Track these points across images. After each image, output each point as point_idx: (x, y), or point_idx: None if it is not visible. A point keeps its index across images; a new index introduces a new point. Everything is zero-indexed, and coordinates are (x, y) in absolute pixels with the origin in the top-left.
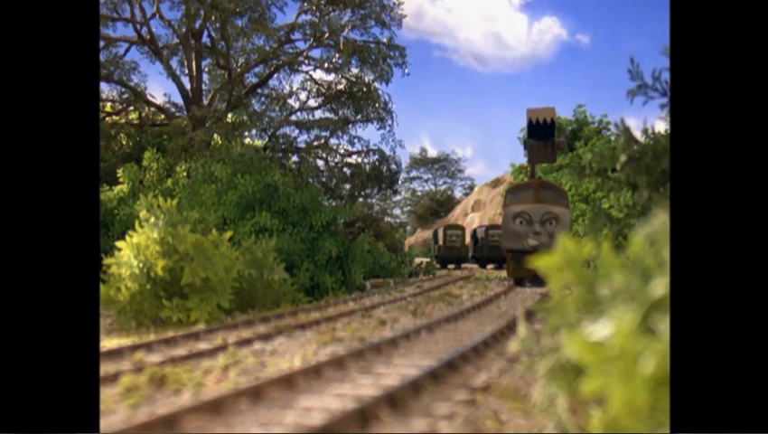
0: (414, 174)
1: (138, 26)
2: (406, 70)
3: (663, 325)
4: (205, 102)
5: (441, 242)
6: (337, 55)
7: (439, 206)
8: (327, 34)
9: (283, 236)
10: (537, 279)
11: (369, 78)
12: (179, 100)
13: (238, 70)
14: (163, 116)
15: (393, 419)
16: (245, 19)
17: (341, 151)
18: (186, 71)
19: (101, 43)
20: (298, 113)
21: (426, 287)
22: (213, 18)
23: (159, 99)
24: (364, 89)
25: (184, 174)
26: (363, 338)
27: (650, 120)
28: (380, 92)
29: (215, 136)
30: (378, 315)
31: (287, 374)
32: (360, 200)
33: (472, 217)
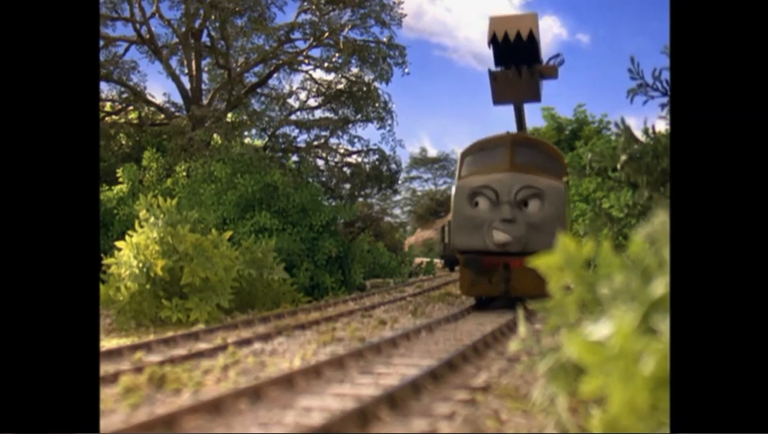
0: (414, 173)
1: (138, 26)
2: (406, 70)
3: (663, 325)
4: (205, 102)
5: (447, 240)
6: (337, 55)
7: (439, 206)
8: (327, 34)
9: (282, 236)
10: (524, 297)
11: (368, 77)
12: (178, 100)
13: (238, 69)
14: (162, 115)
15: (393, 418)
16: (244, 18)
17: (341, 151)
18: (186, 71)
19: (101, 43)
20: (298, 113)
21: (426, 287)
22: (213, 17)
23: (159, 99)
24: (364, 89)
25: (184, 173)
26: (363, 338)
27: (651, 120)
28: (380, 92)
29: (215, 135)
30: (378, 315)
31: (287, 374)
32: (360, 200)
33: None
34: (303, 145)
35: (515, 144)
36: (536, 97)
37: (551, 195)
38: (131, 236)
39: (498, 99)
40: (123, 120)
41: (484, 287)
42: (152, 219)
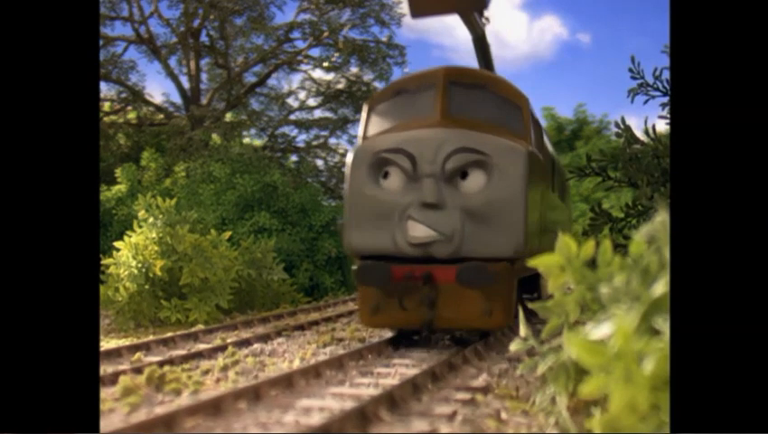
0: None
1: (137, 25)
2: (405, 70)
3: (663, 325)
4: (204, 101)
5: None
6: (336, 54)
7: None
8: (326, 33)
9: (282, 236)
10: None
11: (368, 77)
12: (177, 100)
13: (237, 69)
14: (161, 115)
15: (393, 418)
16: (244, 18)
17: (341, 151)
18: (185, 71)
19: (100, 42)
20: (297, 112)
21: None
22: (212, 17)
23: (157, 99)
24: (363, 89)
25: (183, 173)
26: (363, 339)
27: (651, 120)
28: None
29: (214, 135)
30: None
31: (287, 374)
32: None
33: None
34: (302, 145)
35: (452, 83)
36: (477, 4)
37: (504, 164)
38: (130, 236)
39: (417, 10)
40: (122, 120)
41: (394, 315)
42: (151, 219)
